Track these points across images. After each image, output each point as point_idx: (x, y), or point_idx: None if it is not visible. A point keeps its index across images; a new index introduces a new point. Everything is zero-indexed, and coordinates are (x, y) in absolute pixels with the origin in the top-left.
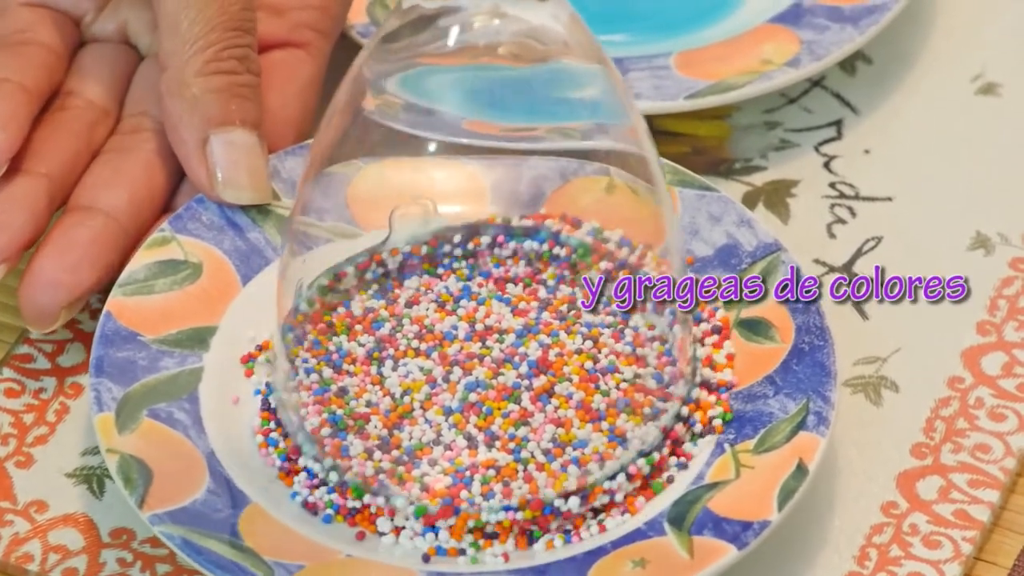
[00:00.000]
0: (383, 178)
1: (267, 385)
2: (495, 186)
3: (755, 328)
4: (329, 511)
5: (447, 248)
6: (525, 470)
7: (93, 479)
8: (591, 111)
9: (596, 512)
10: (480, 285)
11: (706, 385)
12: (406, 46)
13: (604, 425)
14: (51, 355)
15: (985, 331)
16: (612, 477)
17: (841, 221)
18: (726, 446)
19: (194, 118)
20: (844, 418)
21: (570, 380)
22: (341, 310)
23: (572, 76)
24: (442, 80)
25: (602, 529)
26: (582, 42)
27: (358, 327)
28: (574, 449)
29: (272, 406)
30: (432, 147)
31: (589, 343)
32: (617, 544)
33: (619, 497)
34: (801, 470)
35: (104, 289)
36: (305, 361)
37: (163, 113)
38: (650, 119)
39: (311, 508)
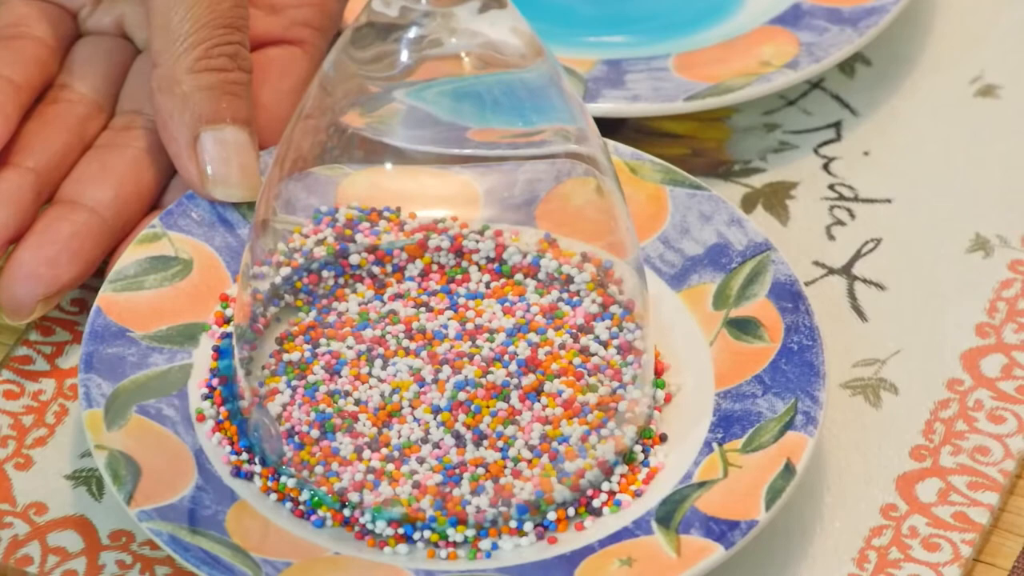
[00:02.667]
0: (371, 183)
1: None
2: (488, 192)
3: (744, 327)
4: (320, 516)
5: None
6: (515, 467)
7: (92, 481)
8: (549, 118)
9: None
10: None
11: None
12: (369, 56)
13: (590, 418)
14: (50, 357)
15: (984, 333)
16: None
17: (840, 223)
18: (714, 445)
19: (185, 115)
20: (843, 420)
21: (559, 377)
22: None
23: (530, 86)
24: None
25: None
26: (538, 52)
27: (345, 328)
28: (559, 444)
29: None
30: (413, 155)
31: (580, 340)
32: (604, 543)
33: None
34: (789, 470)
35: (94, 285)
36: (293, 364)
37: (154, 110)
38: (649, 121)
39: (300, 515)
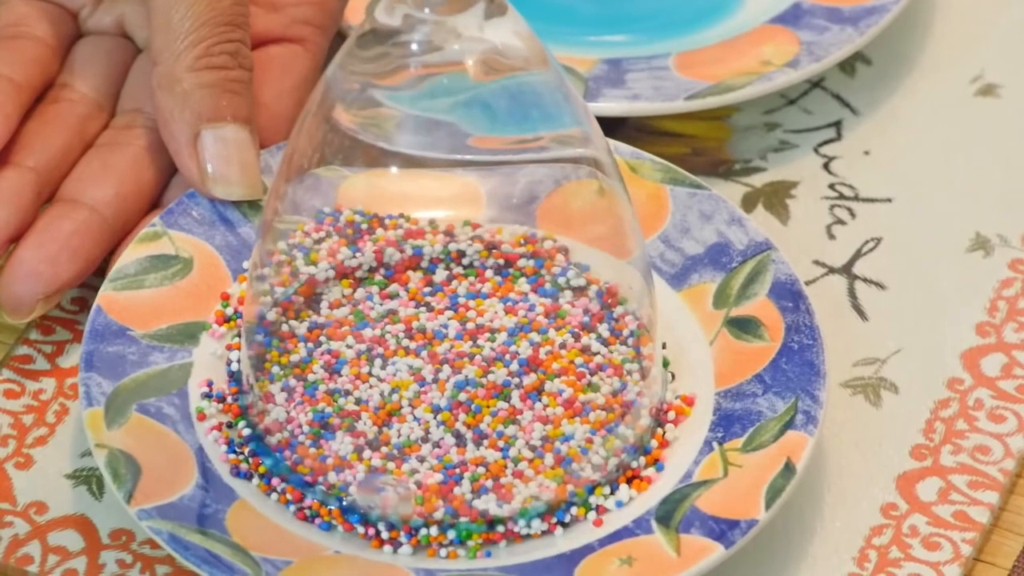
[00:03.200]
0: (373, 186)
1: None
2: (490, 192)
3: (745, 326)
4: (325, 520)
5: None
6: (516, 467)
7: (92, 480)
8: (553, 124)
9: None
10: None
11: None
12: (373, 63)
13: (592, 417)
14: (50, 356)
15: (984, 332)
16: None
17: (841, 222)
18: (714, 444)
19: (185, 113)
20: (844, 419)
21: (560, 377)
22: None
23: (535, 91)
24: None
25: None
26: (541, 56)
27: (344, 328)
28: (562, 443)
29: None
30: (414, 159)
31: (583, 339)
32: (604, 542)
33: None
34: (789, 469)
35: (95, 284)
36: (291, 365)
37: (154, 108)
38: (649, 120)
39: (302, 517)
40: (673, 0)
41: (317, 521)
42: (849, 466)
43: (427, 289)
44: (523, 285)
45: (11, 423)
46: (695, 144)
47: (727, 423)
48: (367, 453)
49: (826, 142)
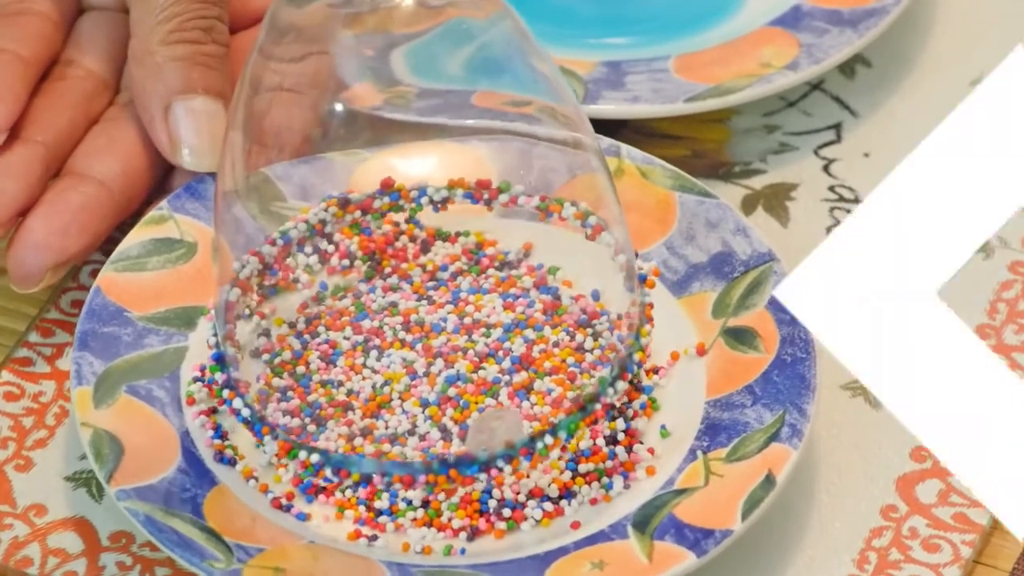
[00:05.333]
0: (385, 167)
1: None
2: (502, 173)
3: (741, 337)
4: (302, 510)
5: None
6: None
7: (92, 482)
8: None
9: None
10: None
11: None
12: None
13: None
14: (50, 358)
15: (984, 334)
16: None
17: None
18: (698, 453)
19: (157, 85)
20: (843, 421)
21: (550, 375)
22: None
23: (489, 39)
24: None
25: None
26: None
27: (344, 318)
28: (552, 436)
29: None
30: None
31: (580, 338)
32: (579, 545)
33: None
34: (769, 481)
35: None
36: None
37: (129, 80)
38: (649, 122)
39: (277, 506)
40: (673, 2)
41: (294, 511)
42: (849, 468)
43: (431, 283)
44: (526, 281)
45: (11, 425)
46: (695, 146)
47: (713, 432)
48: (358, 440)
49: (826, 144)
